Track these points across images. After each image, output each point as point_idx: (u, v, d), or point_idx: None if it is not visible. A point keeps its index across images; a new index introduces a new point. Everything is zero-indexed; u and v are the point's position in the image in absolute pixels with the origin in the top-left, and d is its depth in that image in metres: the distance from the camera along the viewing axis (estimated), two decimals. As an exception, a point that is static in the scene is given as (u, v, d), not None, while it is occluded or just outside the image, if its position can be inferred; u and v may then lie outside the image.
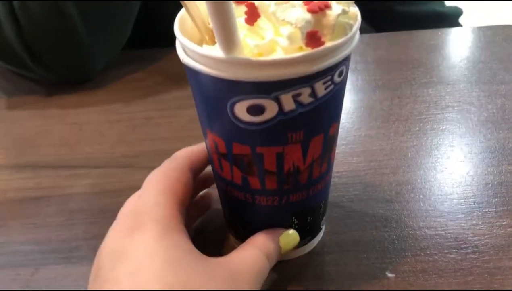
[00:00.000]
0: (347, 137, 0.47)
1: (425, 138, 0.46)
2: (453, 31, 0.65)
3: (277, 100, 0.26)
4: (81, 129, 0.52)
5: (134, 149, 0.48)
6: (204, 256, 0.28)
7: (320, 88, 0.26)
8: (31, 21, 0.51)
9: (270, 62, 0.25)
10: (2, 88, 0.60)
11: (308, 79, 0.26)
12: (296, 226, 0.34)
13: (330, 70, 0.26)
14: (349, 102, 0.52)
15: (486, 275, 0.34)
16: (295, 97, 0.26)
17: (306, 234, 0.35)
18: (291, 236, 0.33)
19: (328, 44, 0.25)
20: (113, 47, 0.60)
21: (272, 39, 0.26)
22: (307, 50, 0.25)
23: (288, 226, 0.34)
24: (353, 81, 0.55)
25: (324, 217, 0.36)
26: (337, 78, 0.27)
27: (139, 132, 0.51)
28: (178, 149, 0.47)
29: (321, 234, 0.37)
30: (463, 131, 0.47)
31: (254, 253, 0.30)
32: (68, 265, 0.37)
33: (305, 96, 0.26)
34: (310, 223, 0.34)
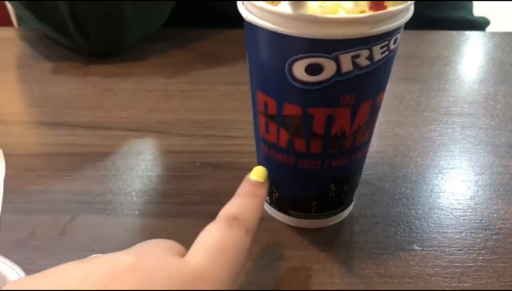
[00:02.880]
0: (377, 122, 0.48)
1: (452, 128, 0.48)
2: (480, 34, 0.67)
3: (337, 60, 0.27)
4: (116, 96, 0.53)
5: (168, 117, 0.50)
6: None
7: (377, 52, 0.28)
8: None
9: (334, 20, 0.26)
10: (41, 53, 0.61)
11: (368, 41, 0.27)
12: (333, 194, 0.35)
13: (388, 35, 0.27)
14: (378, 90, 0.53)
15: (510, 255, 0.35)
16: (353, 58, 0.27)
17: (341, 203, 0.36)
18: (257, 167, 0.30)
19: (390, 8, 0.27)
20: (152, 25, 0.62)
21: (336, 1, 0.27)
22: (369, 13, 0.26)
23: (325, 193, 0.35)
24: (382, 72, 0.57)
25: (356, 190, 0.38)
26: (392, 45, 0.29)
27: (172, 102, 0.52)
28: (209, 120, 0.49)
29: (351, 207, 0.39)
30: (489, 125, 0.48)
31: (207, 229, 0.26)
32: (103, 216, 0.38)
33: (363, 58, 0.28)
34: (346, 191, 0.36)
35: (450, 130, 0.47)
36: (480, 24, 0.83)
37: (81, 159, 0.44)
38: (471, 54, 0.61)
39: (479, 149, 0.45)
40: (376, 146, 0.45)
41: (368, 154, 0.44)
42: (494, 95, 0.53)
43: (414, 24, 0.79)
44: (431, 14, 0.82)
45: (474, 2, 0.85)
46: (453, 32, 0.66)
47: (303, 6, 0.26)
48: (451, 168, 0.43)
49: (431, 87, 0.54)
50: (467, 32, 0.66)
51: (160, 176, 0.42)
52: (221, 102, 0.52)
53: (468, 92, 0.53)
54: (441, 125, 0.48)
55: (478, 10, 0.87)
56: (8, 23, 0.93)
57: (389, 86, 0.54)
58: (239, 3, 0.30)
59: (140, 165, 0.43)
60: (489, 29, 0.84)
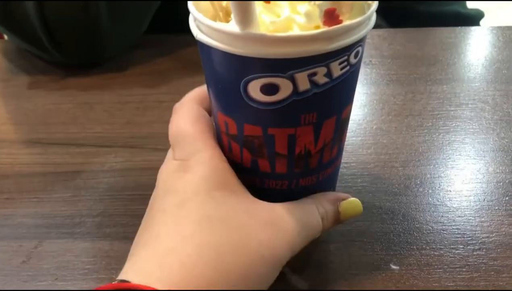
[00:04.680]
0: (358, 129, 0.47)
1: (437, 134, 0.46)
2: (471, 30, 0.65)
3: (292, 79, 0.26)
4: (91, 109, 0.52)
5: (143, 130, 0.48)
6: (250, 197, 0.29)
7: (336, 69, 0.26)
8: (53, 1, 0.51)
9: (286, 39, 0.24)
10: (19, 66, 0.60)
11: (325, 58, 0.25)
12: (303, 212, 0.33)
13: (347, 49, 0.26)
14: (362, 95, 0.52)
15: (492, 272, 0.33)
16: (310, 76, 0.26)
17: (313, 221, 0.35)
18: (353, 203, 0.32)
19: (346, 22, 0.25)
20: (131, 35, 0.60)
21: (289, 16, 0.25)
22: (324, 29, 0.25)
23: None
24: (367, 75, 0.55)
25: (331, 206, 0.36)
26: (353, 60, 0.27)
27: (149, 114, 0.51)
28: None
29: (327, 223, 0.37)
30: (476, 129, 0.46)
31: (307, 206, 0.30)
32: (70, 240, 0.37)
33: (321, 76, 0.26)
34: (318, 209, 0.34)
35: (434, 136, 0.46)
36: (474, 17, 0.80)
37: (51, 179, 0.43)
38: (459, 53, 0.59)
39: (465, 156, 0.43)
40: (357, 155, 0.44)
41: (347, 165, 0.42)
42: (483, 96, 0.51)
43: (405, 19, 0.77)
44: (423, 9, 0.80)
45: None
46: (442, 29, 0.64)
47: (252, 24, 0.24)
48: (434, 177, 0.41)
49: (417, 89, 0.52)
50: (457, 29, 0.64)
51: (132, 195, 0.41)
52: (200, 112, 0.50)
53: (455, 93, 0.51)
54: (425, 131, 0.46)
55: (472, 2, 0.84)
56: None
57: (373, 90, 0.53)
58: (190, 20, 0.28)
59: (111, 184, 0.42)
60: (483, 21, 0.81)
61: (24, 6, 0.52)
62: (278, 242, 0.27)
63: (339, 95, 0.28)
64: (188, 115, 0.32)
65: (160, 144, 0.46)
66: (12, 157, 0.46)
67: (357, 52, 0.27)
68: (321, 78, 0.26)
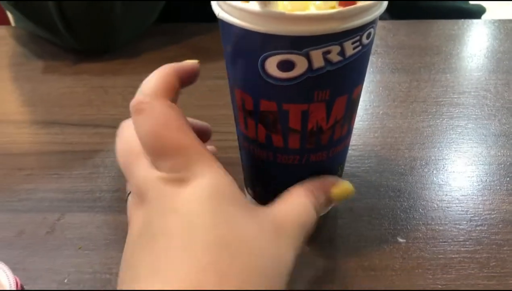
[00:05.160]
0: (365, 115, 0.48)
1: (441, 119, 0.48)
2: (473, 22, 0.66)
3: (307, 56, 0.27)
4: (106, 93, 0.53)
5: (157, 113, 0.50)
6: (251, 207, 0.27)
7: (349, 48, 0.28)
8: None
9: (303, 17, 0.26)
10: (32, 51, 0.62)
11: (339, 37, 0.27)
12: (314, 187, 0.35)
13: (360, 30, 0.27)
14: (368, 82, 0.53)
15: (494, 246, 0.35)
16: (324, 54, 0.27)
17: (322, 196, 0.36)
18: (344, 186, 0.31)
19: (360, 4, 0.27)
20: (142, 23, 0.62)
21: (307, -1, 0.27)
22: (338, 9, 0.26)
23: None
24: (373, 63, 0.57)
25: (340, 183, 0.38)
26: (365, 40, 0.28)
27: (162, 98, 0.52)
28: (196, 116, 0.48)
29: (335, 200, 0.39)
30: (478, 115, 0.48)
31: (300, 202, 0.29)
32: (91, 214, 0.39)
33: (334, 54, 0.28)
34: (327, 185, 0.36)
35: (438, 121, 0.47)
36: (475, 12, 0.82)
37: (70, 157, 0.45)
38: (462, 43, 0.61)
39: (467, 140, 0.45)
40: (364, 138, 0.45)
41: (355, 147, 0.44)
42: (485, 84, 0.53)
43: (408, 13, 0.78)
44: (426, 3, 0.81)
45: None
46: (445, 21, 0.65)
47: (272, 4, 0.26)
48: (438, 159, 0.43)
49: (421, 78, 0.54)
50: (460, 21, 0.65)
51: (148, 173, 0.43)
52: (209, 97, 0.52)
53: (458, 82, 0.53)
54: (430, 116, 0.48)
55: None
56: (5, 22, 0.94)
57: (379, 77, 0.54)
58: (212, 1, 0.30)
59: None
60: (485, 16, 0.83)
61: None
62: (288, 253, 0.26)
63: (351, 74, 0.30)
64: (166, 119, 0.27)
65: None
66: (31, 136, 0.48)
67: (369, 34, 0.29)
68: (334, 57, 0.28)
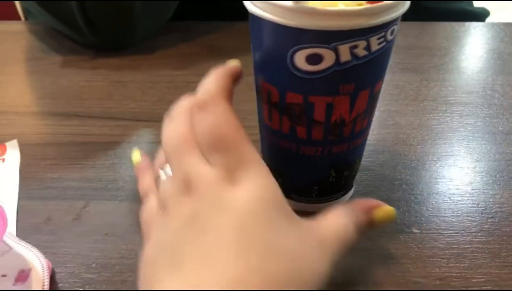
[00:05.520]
0: (377, 111, 0.49)
1: (451, 117, 0.49)
2: (479, 25, 0.68)
3: (335, 50, 0.29)
4: (125, 87, 0.55)
5: (175, 107, 0.51)
6: (295, 216, 0.28)
7: (375, 43, 0.29)
8: None
9: (333, 12, 0.28)
10: (50, 46, 0.63)
11: (365, 33, 0.28)
12: (333, 179, 0.36)
13: (385, 26, 0.29)
14: (380, 81, 0.55)
15: (505, 237, 0.36)
16: (351, 49, 0.29)
17: (340, 188, 0.38)
18: (387, 211, 0.31)
19: (386, 1, 0.28)
20: (160, 19, 0.64)
21: (336, -5, 0.29)
22: (366, 6, 0.28)
23: (326, 178, 0.36)
24: (384, 63, 0.58)
25: (356, 176, 0.39)
26: (389, 36, 0.30)
27: (179, 93, 0.53)
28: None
29: (351, 192, 0.40)
30: (487, 113, 0.50)
31: (341, 221, 0.29)
32: (116, 202, 0.40)
33: (361, 49, 0.29)
34: (346, 177, 0.37)
35: (448, 119, 0.49)
36: (480, 15, 0.84)
37: (92, 148, 0.46)
38: (470, 45, 0.63)
39: (477, 137, 0.47)
40: (377, 134, 0.47)
41: (369, 142, 0.45)
42: (492, 84, 0.54)
43: (414, 15, 0.80)
44: (432, 5, 0.83)
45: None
46: (453, 23, 0.67)
47: (303, 1, 0.28)
48: (449, 155, 0.44)
49: (430, 77, 0.56)
50: (467, 23, 0.67)
51: (169, 164, 0.44)
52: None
53: (467, 82, 0.55)
54: (440, 114, 0.50)
55: (479, 1, 0.88)
56: (16, 17, 0.95)
57: (390, 77, 0.56)
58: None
59: (149, 153, 0.45)
60: (489, 20, 0.85)
61: None
62: (324, 266, 0.27)
63: (374, 69, 0.31)
64: (229, 118, 0.29)
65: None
66: (53, 127, 0.49)
67: (393, 30, 0.30)
68: (361, 51, 0.29)
